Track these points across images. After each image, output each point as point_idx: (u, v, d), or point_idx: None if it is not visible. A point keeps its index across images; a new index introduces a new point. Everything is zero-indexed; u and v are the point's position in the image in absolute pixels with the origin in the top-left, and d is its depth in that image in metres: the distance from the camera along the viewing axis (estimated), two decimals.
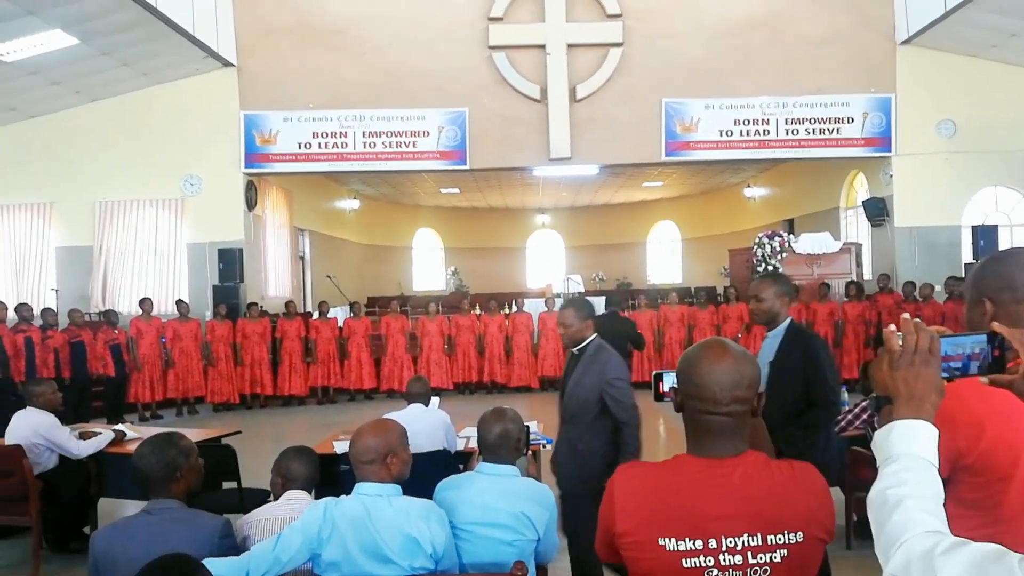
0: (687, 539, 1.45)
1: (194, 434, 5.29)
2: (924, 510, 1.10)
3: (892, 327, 1.24)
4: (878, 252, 12.47)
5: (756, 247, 11.77)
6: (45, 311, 9.20)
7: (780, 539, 1.45)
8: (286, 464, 2.88)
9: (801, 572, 1.48)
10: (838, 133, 11.56)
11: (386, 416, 4.41)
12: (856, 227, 13.70)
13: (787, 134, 11.58)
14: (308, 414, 10.33)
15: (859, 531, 4.47)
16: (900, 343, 1.22)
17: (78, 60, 10.02)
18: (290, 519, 2.58)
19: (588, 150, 11.59)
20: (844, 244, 11.94)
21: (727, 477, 1.48)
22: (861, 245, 12.23)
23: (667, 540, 1.46)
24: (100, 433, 4.87)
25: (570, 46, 11.30)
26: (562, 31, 11.25)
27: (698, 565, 1.44)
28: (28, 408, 4.58)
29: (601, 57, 11.41)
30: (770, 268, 11.56)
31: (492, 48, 11.32)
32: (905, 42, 11.26)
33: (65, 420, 7.50)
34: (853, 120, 11.52)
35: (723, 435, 1.51)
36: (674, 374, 1.65)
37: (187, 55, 10.69)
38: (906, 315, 1.25)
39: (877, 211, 11.84)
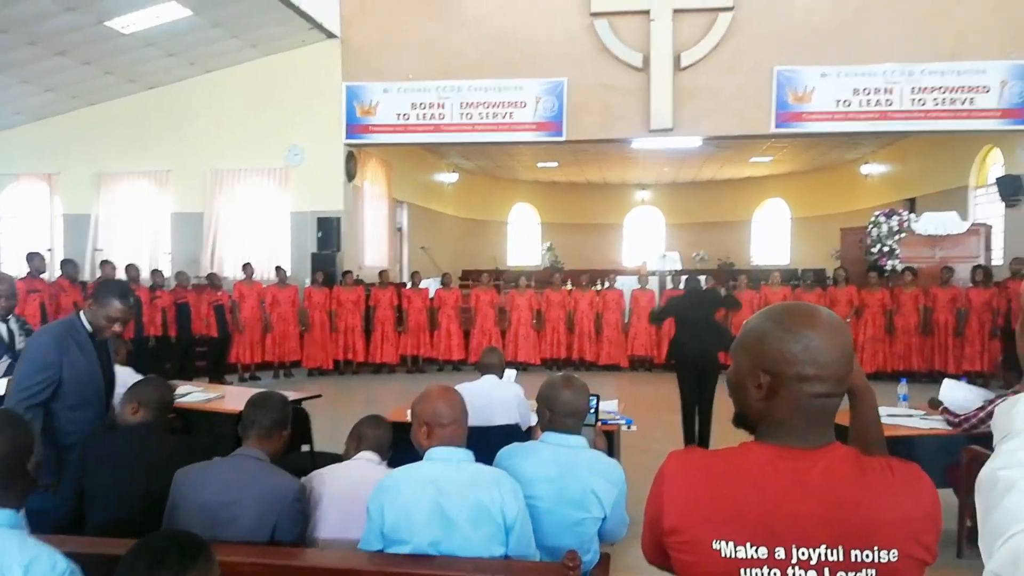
0: (748, 545, 1.20)
1: None
2: None
3: None
4: (1012, 235, 11.36)
5: (871, 226, 10.96)
6: (154, 272, 9.70)
7: (868, 556, 1.17)
8: (361, 430, 2.86)
9: None
10: (971, 104, 10.53)
11: (459, 386, 4.34)
12: (987, 208, 12.54)
13: (913, 104, 10.65)
14: (398, 382, 10.47)
15: (974, 538, 4.02)
16: None
17: (191, 31, 10.41)
18: (357, 475, 2.58)
19: (691, 121, 11.09)
20: (972, 225, 10.93)
21: (805, 472, 1.21)
22: (991, 227, 11.16)
23: (723, 544, 1.21)
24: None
25: (676, 11, 10.79)
26: None
27: None
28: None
29: (709, 22, 10.84)
30: (885, 249, 10.75)
31: (594, 15, 10.97)
32: None
33: (170, 377, 7.90)
34: (989, 89, 10.46)
35: (828, 421, 1.26)
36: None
37: (293, 26, 10.92)
38: None
39: (1013, 190, 10.76)
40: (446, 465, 2.25)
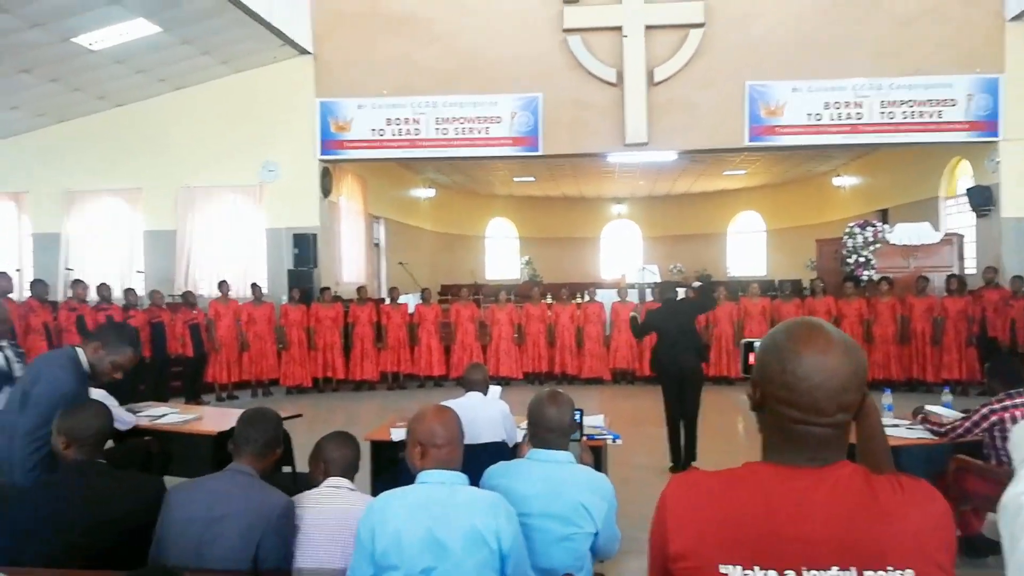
0: (756, 568, 1.16)
1: None
2: None
3: None
4: (983, 244, 11.55)
5: (847, 237, 11.09)
6: (127, 291, 9.51)
7: None
8: (326, 450, 2.74)
9: None
10: (939, 116, 10.74)
11: (443, 404, 4.27)
12: (958, 218, 12.76)
13: (882, 118, 10.85)
14: (378, 399, 10.35)
15: (963, 550, 4.02)
16: None
17: (161, 48, 10.27)
18: (331, 507, 2.49)
19: (666, 135, 11.17)
20: (945, 235, 11.10)
21: (811, 492, 1.18)
22: (963, 237, 11.35)
23: (731, 568, 1.17)
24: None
25: (648, 27, 10.90)
26: (640, 12, 10.86)
27: None
28: None
29: (681, 38, 10.95)
30: (861, 260, 10.88)
31: (567, 31, 11.04)
32: (1016, 18, 10.36)
33: (145, 398, 7.71)
34: (956, 102, 10.68)
35: (819, 447, 1.22)
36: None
37: (265, 43, 10.83)
38: None
39: (982, 200, 10.95)
40: (439, 489, 2.18)
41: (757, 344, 1.41)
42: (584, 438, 3.90)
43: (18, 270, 11.67)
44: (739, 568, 1.16)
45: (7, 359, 3.93)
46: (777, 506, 1.18)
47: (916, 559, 1.13)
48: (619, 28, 10.93)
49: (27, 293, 9.04)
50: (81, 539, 2.39)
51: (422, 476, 2.23)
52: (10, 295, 7.85)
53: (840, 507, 1.16)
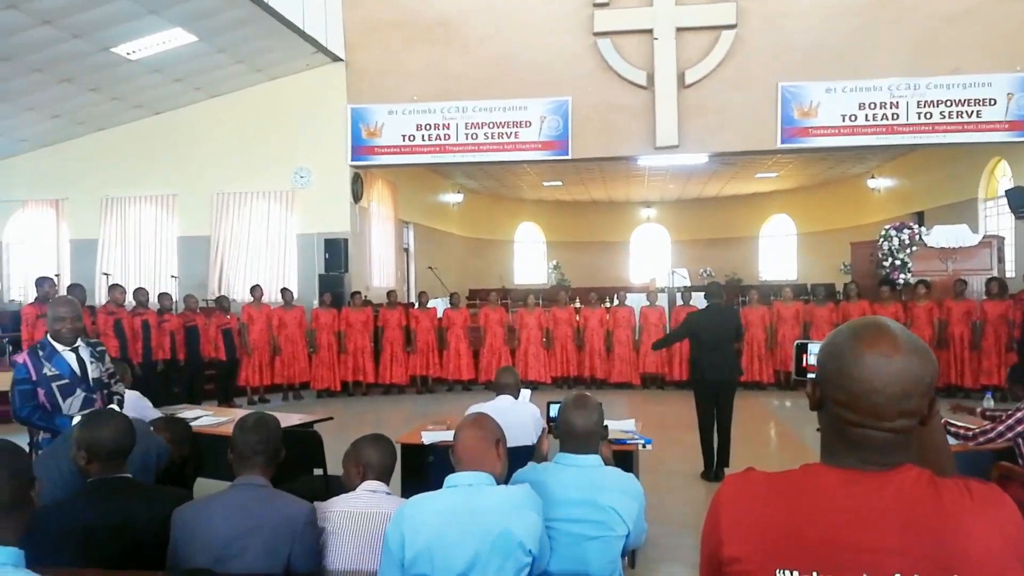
0: (815, 575, 1.11)
1: (288, 418, 5.34)
2: None
3: None
4: (1023, 247, 11.28)
5: (882, 240, 10.87)
6: (162, 296, 9.66)
7: None
8: (363, 452, 2.71)
9: None
10: (978, 116, 10.50)
11: (474, 407, 4.26)
12: (997, 220, 12.46)
13: (919, 118, 10.64)
14: (407, 403, 10.39)
15: None
16: None
17: (197, 57, 10.46)
18: (369, 512, 2.46)
19: (697, 138, 11.07)
20: (984, 237, 10.84)
21: (874, 496, 1.12)
22: (1003, 239, 11.07)
23: (788, 574, 1.12)
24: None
25: (679, 29, 10.83)
26: (671, 14, 10.80)
27: None
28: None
29: (712, 40, 10.86)
30: (897, 263, 10.66)
31: (597, 35, 11.01)
32: None
33: (178, 401, 7.82)
34: (995, 102, 10.44)
35: (879, 451, 1.16)
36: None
37: (298, 51, 10.97)
38: None
39: (1022, 202, 10.68)
40: (468, 492, 2.17)
41: (811, 346, 1.37)
42: (606, 441, 3.87)
43: (57, 275, 11.92)
44: (796, 574, 1.12)
45: (81, 361, 3.75)
46: (837, 511, 1.12)
47: (985, 568, 1.07)
48: (650, 31, 10.88)
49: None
50: (111, 551, 2.35)
51: (450, 479, 2.22)
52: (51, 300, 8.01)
53: (905, 513, 1.10)
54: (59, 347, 3.70)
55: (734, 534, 1.18)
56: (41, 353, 3.69)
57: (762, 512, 1.17)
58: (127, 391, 3.90)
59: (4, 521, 1.55)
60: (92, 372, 3.78)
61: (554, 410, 3.80)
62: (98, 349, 3.89)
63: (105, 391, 3.87)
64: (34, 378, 3.63)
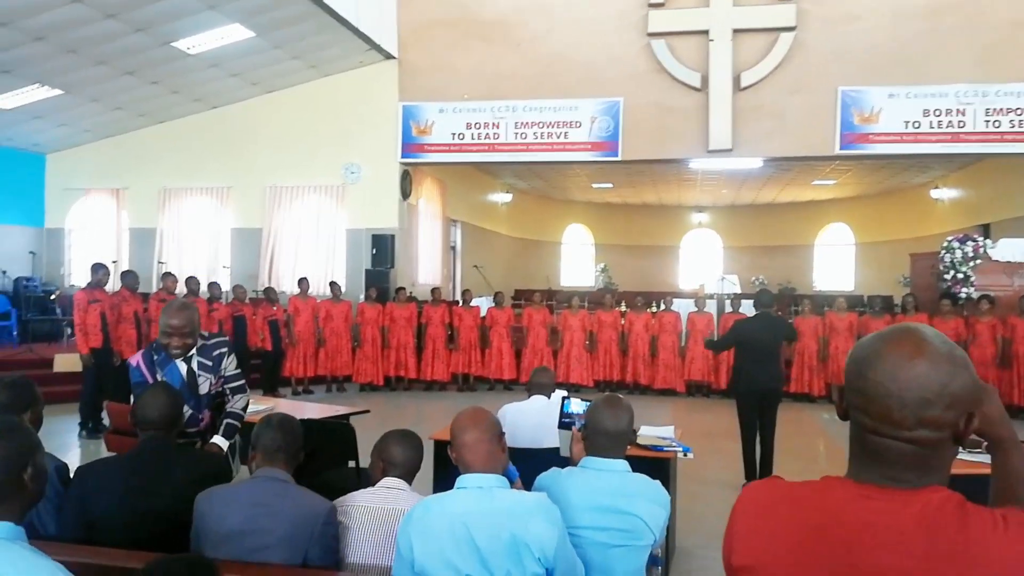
0: None
1: (327, 410, 5.36)
2: None
3: None
4: None
5: (944, 252, 10.46)
6: (211, 285, 9.83)
7: None
8: (388, 448, 2.67)
9: None
10: None
11: (508, 407, 4.20)
12: None
13: (987, 126, 10.21)
14: (448, 400, 10.38)
15: None
16: None
17: (254, 53, 10.66)
18: (384, 509, 2.42)
19: (751, 142, 10.82)
20: None
21: (893, 517, 1.03)
22: None
23: None
24: None
25: (736, 31, 10.62)
26: (728, 16, 10.59)
27: None
28: None
29: (770, 42, 10.61)
30: (960, 276, 10.23)
31: (651, 35, 10.86)
32: None
33: None
34: None
35: (898, 465, 1.07)
36: None
37: (352, 48, 11.09)
38: None
39: None
40: (478, 495, 2.11)
41: None
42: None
43: (114, 262, 12.27)
44: None
45: (192, 373, 3.35)
46: (853, 529, 1.04)
47: None
48: (706, 32, 10.69)
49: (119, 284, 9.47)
50: (163, 507, 2.46)
51: (461, 481, 2.17)
52: (104, 286, 8.21)
53: (929, 537, 1.01)
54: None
55: (746, 543, 1.13)
56: (156, 358, 3.34)
57: (773, 522, 1.11)
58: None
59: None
60: (202, 387, 3.37)
61: (568, 405, 3.71)
62: (215, 354, 3.42)
63: (214, 404, 3.47)
64: (150, 382, 3.25)
